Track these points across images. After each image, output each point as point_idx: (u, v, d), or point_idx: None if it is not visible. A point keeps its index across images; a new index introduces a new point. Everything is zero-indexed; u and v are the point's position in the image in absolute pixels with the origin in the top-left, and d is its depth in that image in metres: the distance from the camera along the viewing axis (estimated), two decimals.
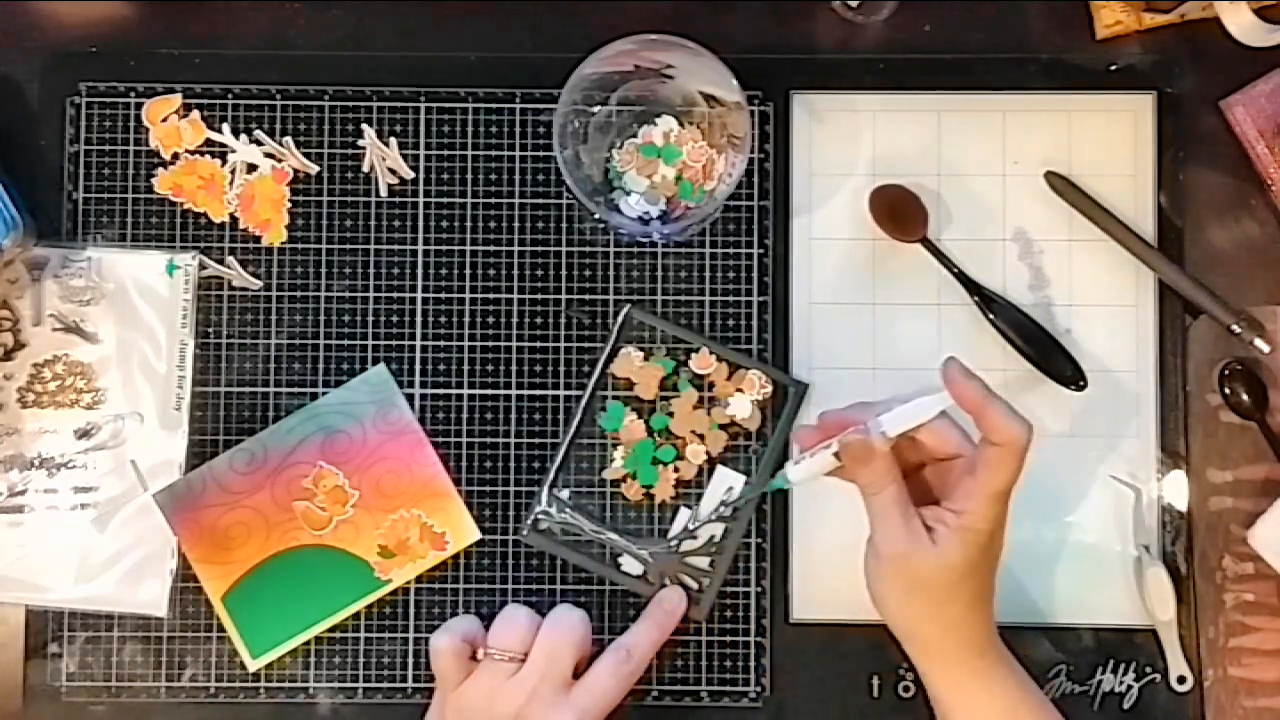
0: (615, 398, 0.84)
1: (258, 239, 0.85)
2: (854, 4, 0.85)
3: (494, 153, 0.85)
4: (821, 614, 0.83)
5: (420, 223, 0.85)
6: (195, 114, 0.85)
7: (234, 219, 0.85)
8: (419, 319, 0.84)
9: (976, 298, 0.83)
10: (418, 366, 0.84)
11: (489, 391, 0.84)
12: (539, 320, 0.84)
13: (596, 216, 0.83)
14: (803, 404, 0.83)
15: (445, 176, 0.85)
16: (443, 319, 0.84)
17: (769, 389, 0.83)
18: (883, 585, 0.72)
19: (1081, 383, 0.83)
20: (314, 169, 0.85)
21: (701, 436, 0.83)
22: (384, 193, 0.85)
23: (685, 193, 0.82)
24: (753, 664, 0.83)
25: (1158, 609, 0.81)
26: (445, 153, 0.85)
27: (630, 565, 0.83)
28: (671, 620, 0.81)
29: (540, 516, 0.83)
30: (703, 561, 0.83)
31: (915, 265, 0.84)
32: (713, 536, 0.83)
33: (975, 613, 0.72)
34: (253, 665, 0.82)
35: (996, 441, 0.69)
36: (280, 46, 0.86)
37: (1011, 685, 0.74)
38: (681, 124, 0.83)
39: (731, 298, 0.84)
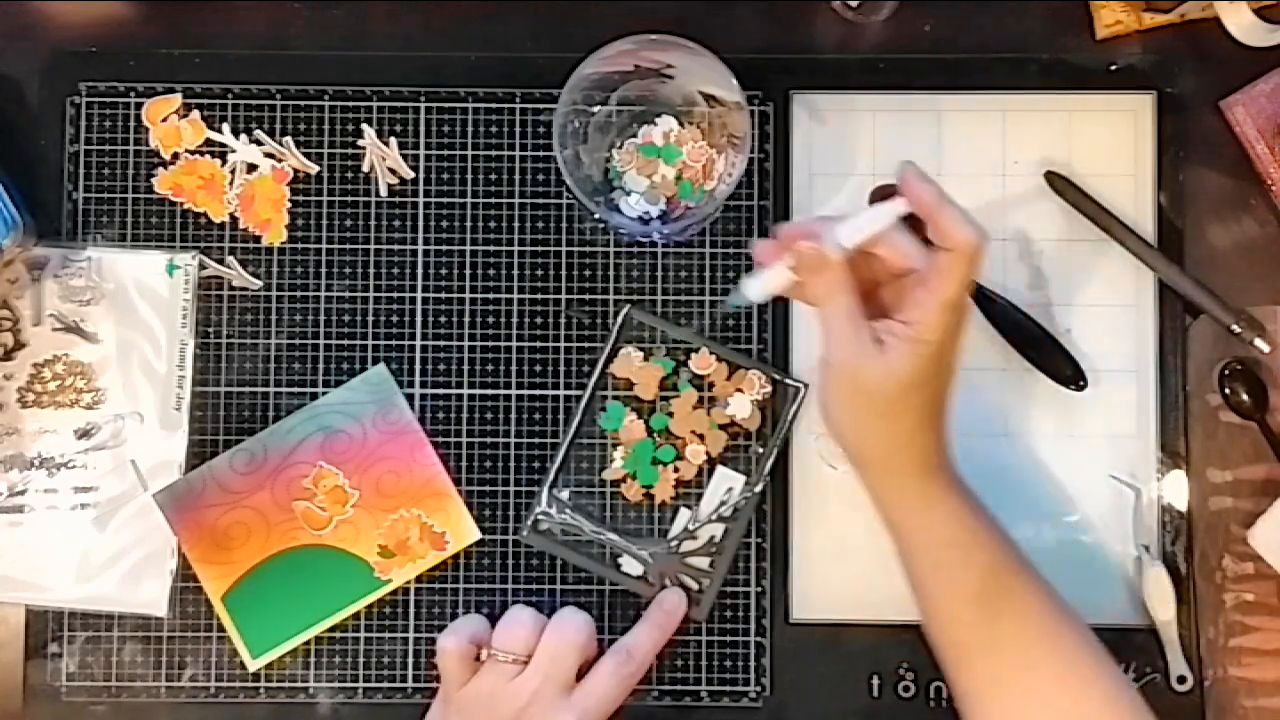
0: (615, 398, 0.84)
1: (258, 239, 0.85)
2: (854, 4, 0.85)
3: (494, 153, 0.85)
4: (821, 614, 0.83)
5: (420, 223, 0.85)
6: (195, 114, 0.85)
7: (234, 219, 0.85)
8: (419, 319, 0.84)
9: (976, 297, 0.83)
10: (418, 366, 0.84)
11: (489, 391, 0.84)
12: (539, 320, 0.84)
13: (597, 216, 0.83)
14: (803, 405, 0.83)
15: (445, 176, 0.85)
16: (443, 319, 0.84)
17: (769, 389, 0.83)
18: (832, 398, 0.71)
19: (1081, 383, 0.83)
20: (314, 169, 0.85)
21: (701, 437, 0.83)
22: (384, 193, 0.85)
23: (685, 192, 0.82)
24: (753, 664, 0.83)
25: (1158, 609, 0.81)
26: (445, 153, 0.85)
27: (630, 566, 0.83)
28: (672, 621, 0.81)
29: (540, 517, 0.83)
30: (703, 562, 0.83)
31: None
32: (713, 537, 0.83)
33: (924, 431, 0.71)
34: (253, 665, 0.82)
35: (948, 246, 0.68)
36: (280, 46, 0.86)
37: (964, 512, 0.72)
38: (681, 124, 0.83)
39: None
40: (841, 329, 0.69)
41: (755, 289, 0.73)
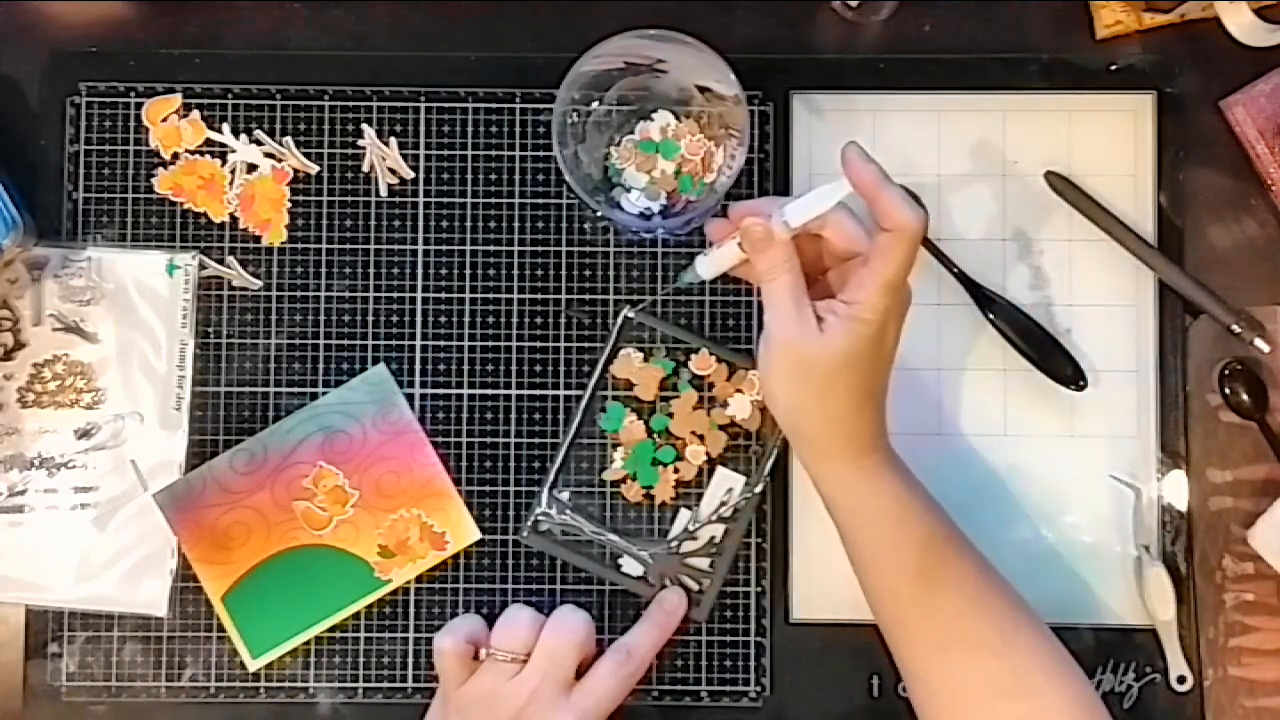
0: (615, 398, 0.84)
1: (258, 239, 0.85)
2: (854, 4, 0.84)
3: (494, 153, 0.85)
4: (821, 614, 0.83)
5: (420, 223, 0.85)
6: (195, 114, 0.85)
7: (234, 219, 0.85)
8: (419, 319, 0.84)
9: (976, 297, 0.83)
10: (418, 366, 0.84)
11: (489, 391, 0.84)
12: (539, 320, 0.84)
13: (599, 215, 0.83)
14: None
15: (445, 176, 0.85)
16: (443, 319, 0.84)
17: None
18: (771, 373, 0.72)
19: (1081, 383, 0.83)
20: (314, 169, 0.85)
21: (701, 437, 0.83)
22: (384, 193, 0.85)
23: (685, 186, 0.82)
24: (753, 664, 0.83)
25: (1158, 609, 0.81)
26: (445, 153, 0.85)
27: (630, 566, 0.83)
28: (672, 621, 0.81)
29: (540, 518, 0.83)
30: (703, 562, 0.83)
31: (915, 265, 0.83)
32: (713, 537, 0.83)
33: (861, 410, 0.72)
34: (253, 665, 0.82)
35: (888, 227, 0.68)
36: (280, 46, 0.86)
37: (900, 487, 0.73)
38: (678, 118, 0.83)
39: (731, 298, 0.84)
40: (784, 305, 0.70)
41: (707, 266, 0.75)
